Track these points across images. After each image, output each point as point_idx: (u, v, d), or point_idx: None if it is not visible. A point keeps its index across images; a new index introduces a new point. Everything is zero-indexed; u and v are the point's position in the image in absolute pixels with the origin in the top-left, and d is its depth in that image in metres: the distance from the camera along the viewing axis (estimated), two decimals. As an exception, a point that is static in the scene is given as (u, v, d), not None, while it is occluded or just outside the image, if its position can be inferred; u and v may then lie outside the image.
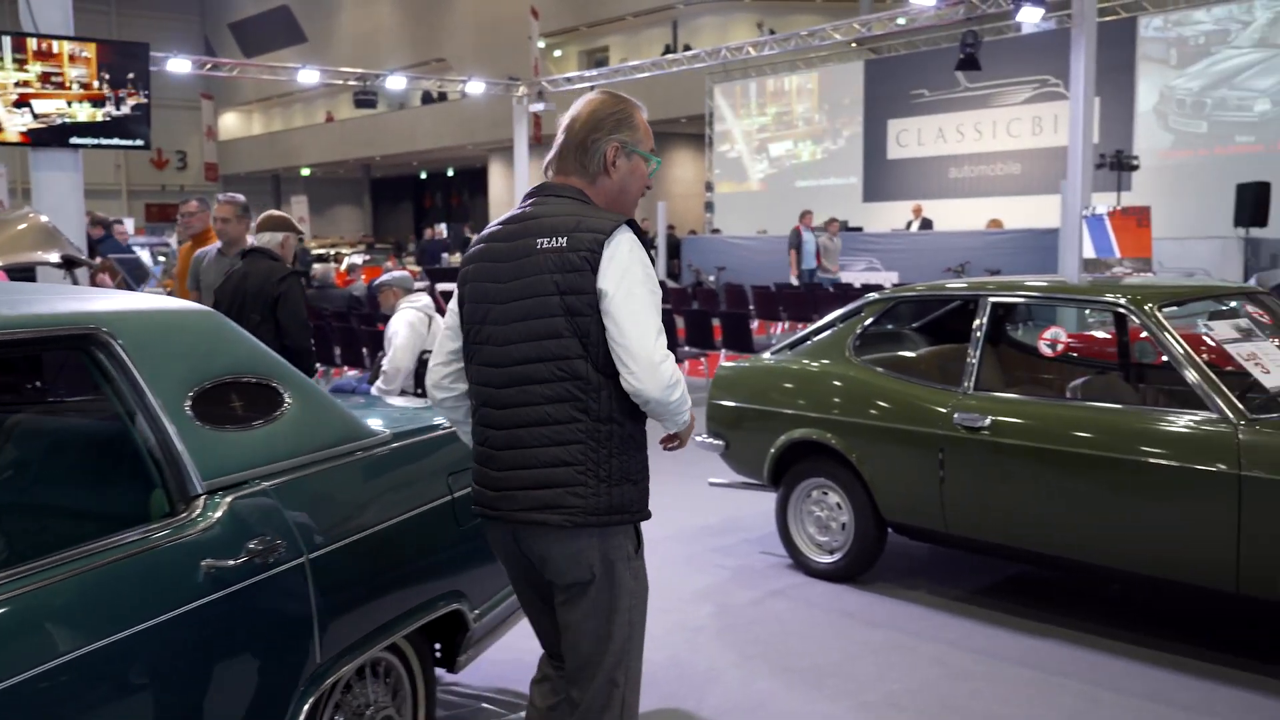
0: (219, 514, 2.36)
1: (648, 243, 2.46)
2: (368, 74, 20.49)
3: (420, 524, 2.95)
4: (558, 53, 33.80)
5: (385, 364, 6.32)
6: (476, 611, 3.19)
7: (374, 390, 6.28)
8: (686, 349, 11.10)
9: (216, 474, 2.41)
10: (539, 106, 21.30)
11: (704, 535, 5.93)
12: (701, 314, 11.73)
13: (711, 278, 19.45)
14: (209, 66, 20.77)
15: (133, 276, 9.57)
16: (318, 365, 6.31)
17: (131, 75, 9.42)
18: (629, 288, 2.32)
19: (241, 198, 6.30)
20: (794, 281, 16.11)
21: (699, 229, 26.08)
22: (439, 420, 3.34)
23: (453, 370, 2.64)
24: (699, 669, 4.15)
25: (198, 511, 2.34)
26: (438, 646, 3.21)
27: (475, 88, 20.95)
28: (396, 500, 2.90)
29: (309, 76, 19.92)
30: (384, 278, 7.06)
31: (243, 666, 2.37)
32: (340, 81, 21.77)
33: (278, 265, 5.45)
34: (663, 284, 17.98)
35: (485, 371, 2.47)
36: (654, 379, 2.30)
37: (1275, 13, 16.70)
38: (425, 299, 6.67)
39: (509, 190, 24.40)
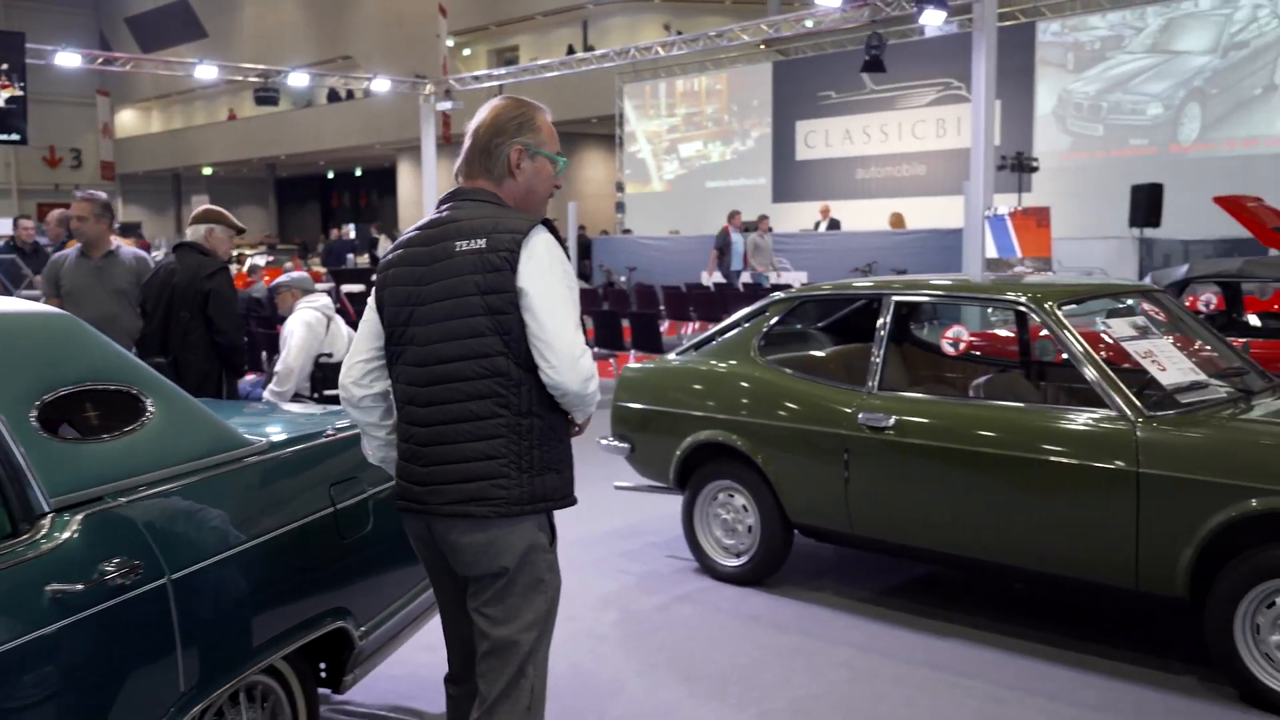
0: (67, 534, 2.18)
1: (562, 242, 2.59)
2: (269, 70, 19.97)
3: (299, 539, 2.78)
4: (467, 51, 33.44)
5: (278, 365, 6.09)
6: (363, 628, 3.04)
7: (266, 394, 6.04)
8: (596, 350, 10.99)
9: (67, 490, 2.23)
10: (446, 105, 21.01)
11: (609, 540, 5.82)
12: (611, 315, 11.63)
13: (622, 278, 19.36)
14: (101, 61, 20.05)
15: (10, 279, 9.10)
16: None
17: (5, 66, 8.99)
18: (547, 285, 2.40)
19: (102, 195, 6.01)
20: (705, 281, 16.09)
21: (610, 229, 26.00)
22: (325, 428, 3.18)
23: (372, 369, 2.64)
24: (602, 679, 4.03)
25: (43, 532, 2.15)
26: (323, 666, 3.04)
27: (381, 85, 20.58)
28: (272, 514, 2.73)
29: (207, 72, 19.34)
30: (282, 279, 6.81)
31: (96, 699, 2.18)
32: (241, 78, 21.19)
33: (207, 260, 5.31)
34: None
35: (409, 371, 2.51)
36: (573, 373, 2.39)
37: (1167, 19, 17.19)
38: (324, 299, 6.45)
39: (418, 190, 24.03)
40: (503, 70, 21.60)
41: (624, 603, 4.84)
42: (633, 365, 5.71)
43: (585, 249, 22.74)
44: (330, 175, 43.10)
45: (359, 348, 2.65)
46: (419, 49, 27.66)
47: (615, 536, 5.87)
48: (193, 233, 5.39)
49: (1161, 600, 3.85)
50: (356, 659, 3.04)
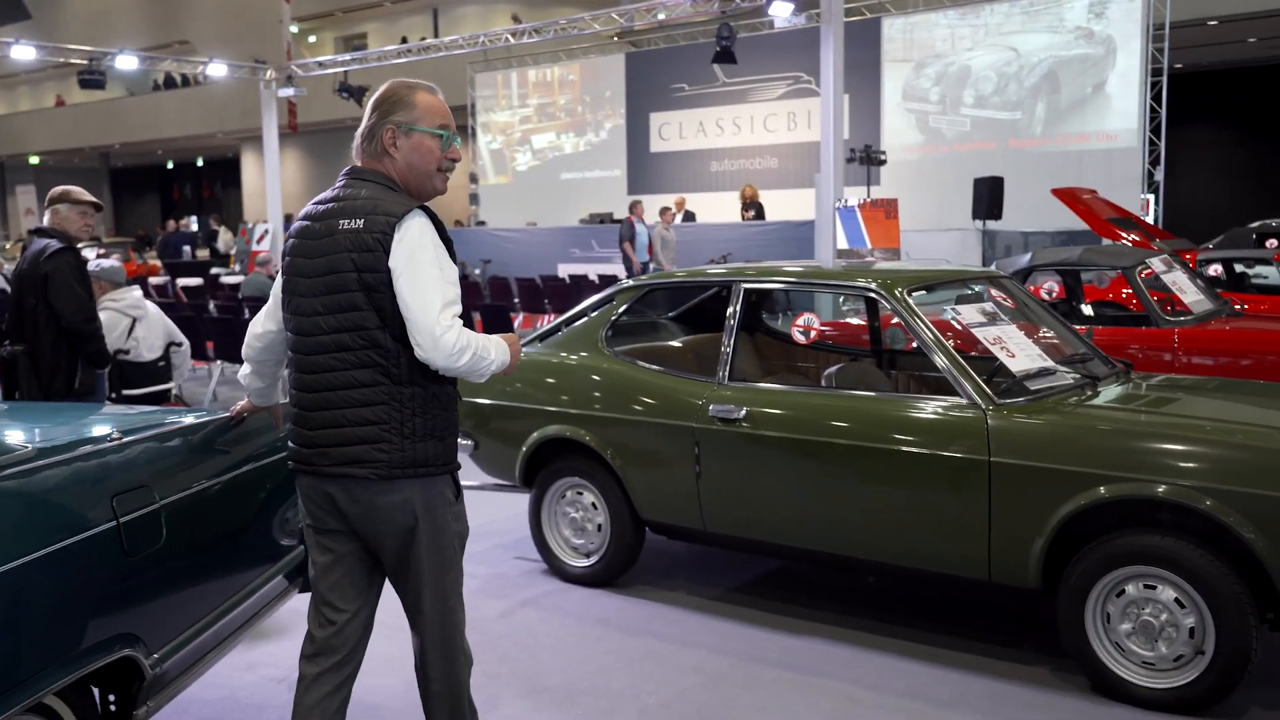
0: None
1: (443, 226, 2.66)
2: (94, 52, 18.79)
3: (71, 558, 2.42)
4: (313, 38, 32.36)
5: None
6: (156, 655, 2.69)
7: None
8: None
9: None
10: (289, 92, 20.15)
11: (454, 543, 5.53)
12: (463, 307, 11.26)
13: (477, 270, 18.94)
14: (-95, 39, 18.51)
15: None
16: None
17: None
18: (415, 266, 2.53)
19: None
20: (623, 278, 15.74)
21: (464, 221, 25.48)
22: (111, 431, 2.82)
23: (267, 339, 2.90)
24: (439, 695, 3.75)
25: None
26: (112, 699, 2.69)
27: (217, 70, 19.61)
28: (35, 531, 2.36)
29: (24, 53, 18.06)
30: (90, 267, 6.28)
31: None
32: (64, 60, 19.90)
33: (51, 241, 5.02)
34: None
35: (298, 340, 2.68)
36: (437, 349, 2.51)
37: (1005, 17, 17.71)
38: (131, 296, 5.97)
39: (262, 181, 23.02)
40: (348, 56, 20.84)
41: (468, 609, 4.54)
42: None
43: (438, 241, 22.20)
44: (170, 165, 41.20)
45: (261, 317, 2.90)
46: (261, 35, 26.58)
47: (460, 539, 5.58)
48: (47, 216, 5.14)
49: (1014, 591, 3.79)
50: (150, 689, 2.69)
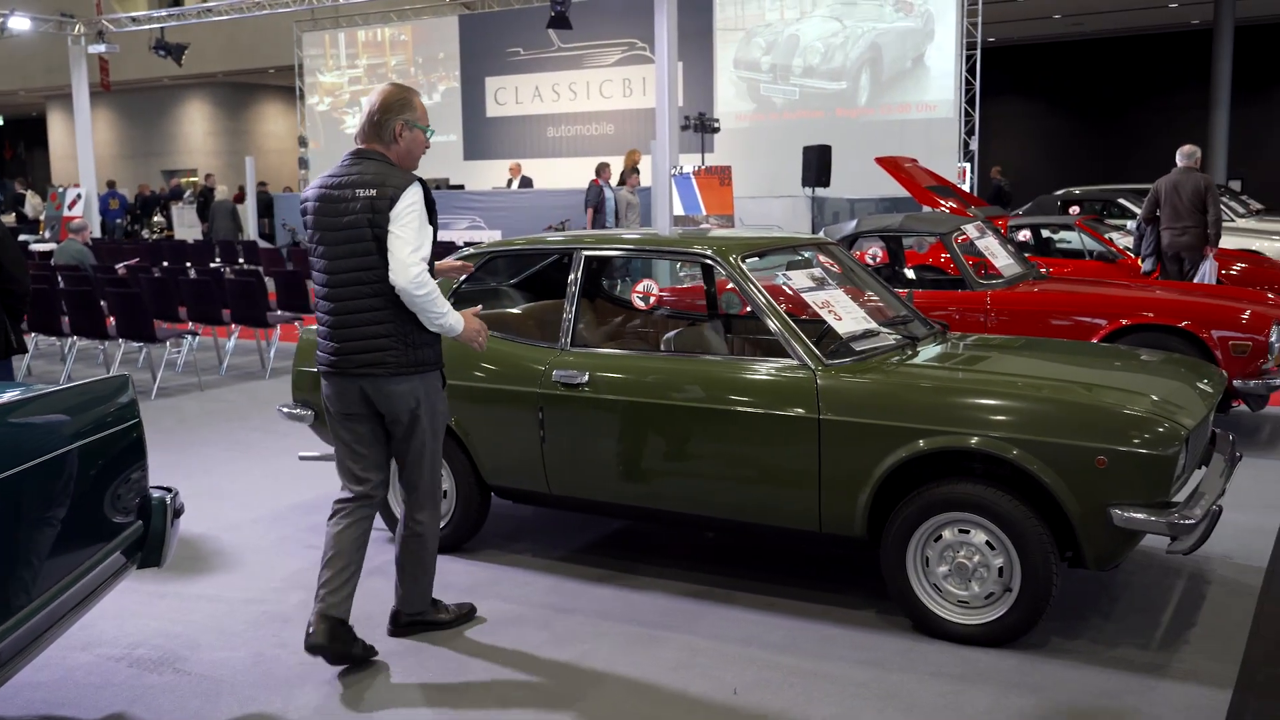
0: None
1: (431, 194, 3.66)
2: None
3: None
4: (124, -9, 30.61)
5: None
6: (-13, 639, 2.62)
7: None
8: (280, 313, 10.36)
9: None
10: (100, 48, 19.10)
11: (295, 515, 5.47)
12: (295, 275, 10.99)
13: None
14: None
15: None
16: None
17: None
18: (405, 220, 3.54)
19: None
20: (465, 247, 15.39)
21: (294, 186, 24.73)
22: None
23: None
24: (287, 666, 3.75)
25: None
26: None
27: (20, 23, 18.41)
28: None
29: None
30: None
31: None
32: None
33: None
34: (253, 244, 16.80)
35: (326, 278, 3.67)
36: (404, 275, 3.51)
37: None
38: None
39: (72, 142, 21.70)
40: (164, 13, 19.91)
41: (312, 581, 4.51)
42: (311, 327, 5.34)
43: (266, 207, 21.48)
44: (-35, 124, 38.41)
45: None
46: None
47: (302, 511, 5.53)
48: None
49: (843, 541, 4.02)
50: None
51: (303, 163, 24.26)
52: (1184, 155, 9.20)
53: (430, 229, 3.61)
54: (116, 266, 11.85)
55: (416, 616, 3.97)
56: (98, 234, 19.49)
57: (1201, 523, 3.58)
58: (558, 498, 4.59)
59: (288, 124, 28.47)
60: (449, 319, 3.62)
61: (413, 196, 3.57)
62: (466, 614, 4.11)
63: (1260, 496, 5.40)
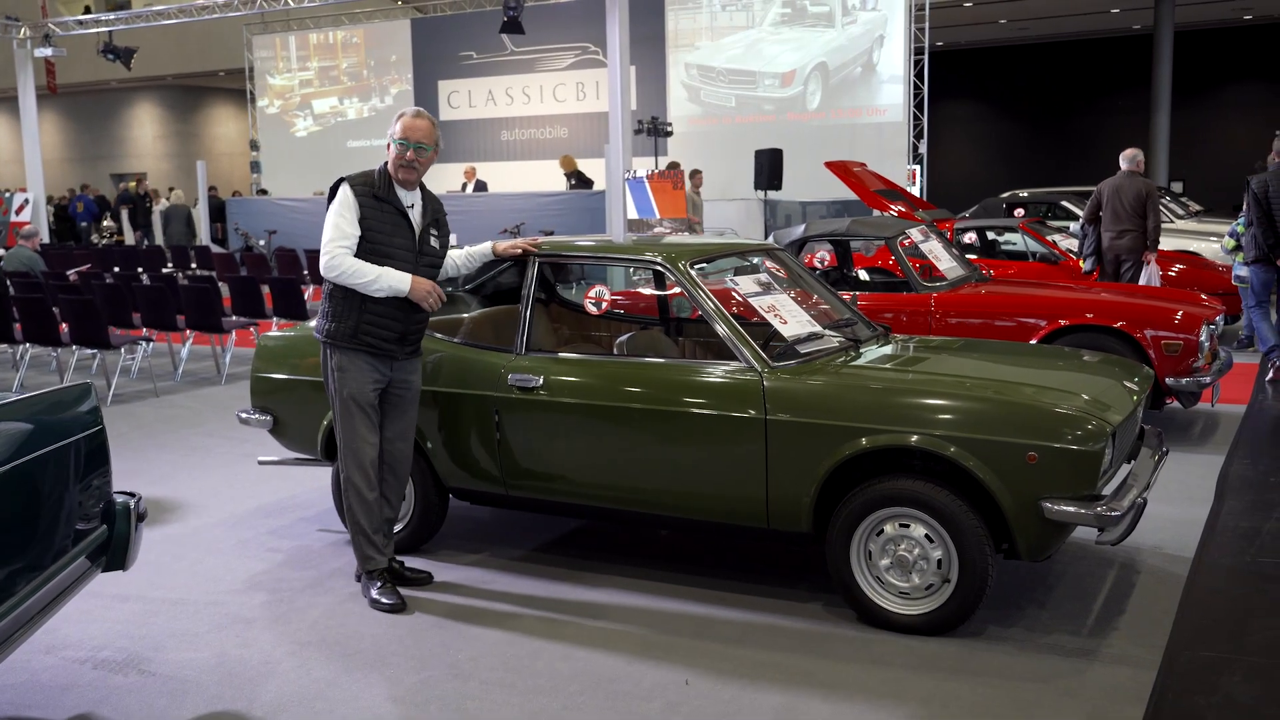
0: None
1: (377, 191, 4.27)
2: None
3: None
4: (71, -7, 30.22)
5: None
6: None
7: None
8: (235, 319, 10.36)
9: None
10: (47, 52, 18.89)
11: (255, 518, 5.54)
12: (250, 281, 10.98)
13: (261, 242, 18.34)
14: None
15: None
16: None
17: None
18: (329, 213, 4.22)
19: None
20: None
21: (244, 190, 24.57)
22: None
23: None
24: (251, 664, 3.84)
25: None
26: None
27: (-36, 26, 18.18)
28: None
29: None
30: None
31: None
32: None
33: None
34: (205, 249, 16.70)
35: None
36: (322, 259, 4.15)
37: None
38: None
39: (18, 146, 21.40)
40: (112, 16, 19.68)
41: (273, 583, 4.63)
42: (272, 334, 5.43)
43: (218, 211, 21.33)
44: (-94, 127, 37.62)
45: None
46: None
47: (262, 514, 5.60)
48: None
49: (790, 536, 4.18)
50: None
51: (254, 166, 24.11)
52: (1127, 159, 9.42)
53: (345, 220, 4.17)
54: (68, 273, 11.78)
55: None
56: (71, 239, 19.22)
57: (1128, 514, 3.77)
58: (515, 499, 4.70)
59: (239, 127, 28.28)
60: (382, 280, 4.14)
61: (340, 190, 4.25)
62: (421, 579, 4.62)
63: (1190, 490, 5.63)
